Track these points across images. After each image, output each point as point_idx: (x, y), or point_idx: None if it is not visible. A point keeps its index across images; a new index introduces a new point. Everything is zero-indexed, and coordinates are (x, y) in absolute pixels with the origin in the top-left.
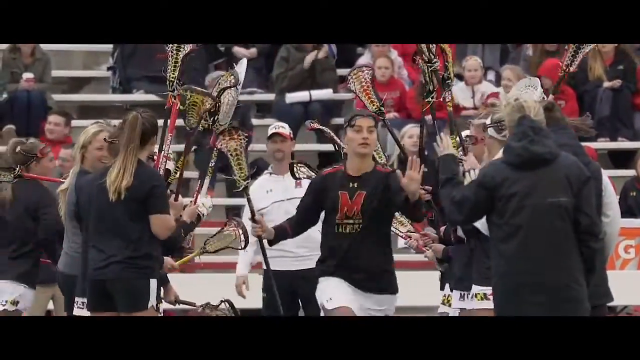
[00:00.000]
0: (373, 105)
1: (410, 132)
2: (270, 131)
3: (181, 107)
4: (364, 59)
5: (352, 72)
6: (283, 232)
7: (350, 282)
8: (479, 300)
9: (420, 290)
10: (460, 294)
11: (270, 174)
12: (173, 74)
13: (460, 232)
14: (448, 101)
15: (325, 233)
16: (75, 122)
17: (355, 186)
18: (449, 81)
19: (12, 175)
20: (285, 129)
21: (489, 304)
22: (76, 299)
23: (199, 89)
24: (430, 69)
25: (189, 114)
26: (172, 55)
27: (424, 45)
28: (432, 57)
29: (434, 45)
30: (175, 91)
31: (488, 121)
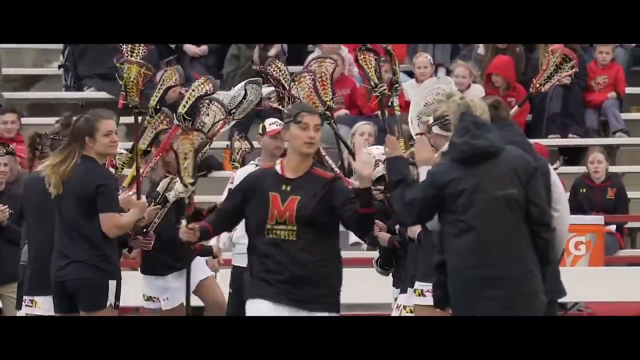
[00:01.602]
0: (317, 108)
1: (362, 130)
2: (271, 128)
3: (119, 81)
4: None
5: (294, 78)
6: (205, 233)
7: (280, 298)
8: (417, 297)
9: (370, 288)
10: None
11: (256, 165)
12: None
13: (409, 232)
14: (395, 105)
15: (252, 239)
16: (26, 120)
17: (289, 189)
18: (397, 85)
19: (4, 150)
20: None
21: (424, 300)
22: (24, 297)
23: (134, 59)
24: (376, 94)
25: (129, 90)
26: (127, 56)
27: (369, 69)
28: (378, 82)
29: (381, 63)
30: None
31: (431, 119)
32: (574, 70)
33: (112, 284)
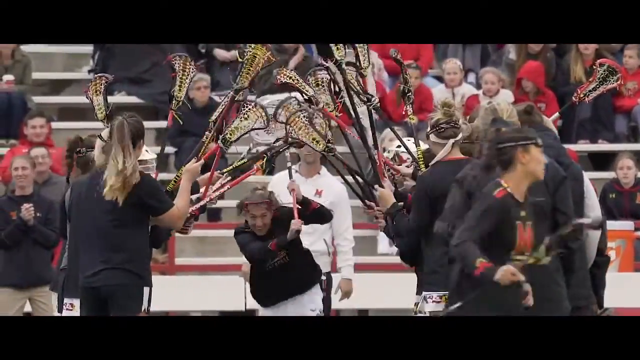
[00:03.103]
0: (319, 145)
1: (391, 136)
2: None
3: (239, 58)
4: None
5: (288, 120)
6: None
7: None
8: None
9: (402, 292)
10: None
11: (296, 171)
12: (179, 92)
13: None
14: (410, 114)
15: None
16: (55, 125)
17: (524, 215)
18: (409, 94)
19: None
20: None
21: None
22: (65, 300)
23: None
24: (369, 107)
25: (244, 70)
26: (179, 75)
27: (356, 83)
28: (370, 96)
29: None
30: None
31: (428, 128)
32: (619, 82)
33: (146, 290)
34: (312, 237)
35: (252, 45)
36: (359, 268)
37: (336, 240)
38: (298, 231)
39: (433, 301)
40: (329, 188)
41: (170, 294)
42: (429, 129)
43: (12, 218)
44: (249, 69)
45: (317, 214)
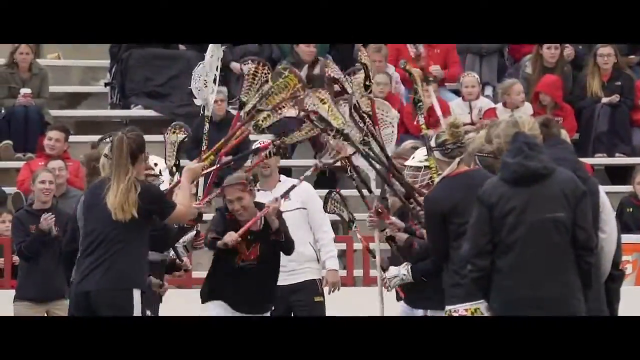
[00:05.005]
0: (338, 120)
1: (407, 148)
2: (255, 146)
3: (271, 81)
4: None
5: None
6: None
7: None
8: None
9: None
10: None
11: (258, 190)
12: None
13: None
14: (422, 124)
15: None
16: (72, 138)
17: None
18: (420, 104)
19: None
20: None
21: None
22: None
23: (299, 73)
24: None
25: (272, 92)
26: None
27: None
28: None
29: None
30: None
31: (432, 144)
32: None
33: (136, 293)
34: (296, 245)
35: (287, 73)
36: (373, 282)
37: (315, 235)
38: (225, 244)
39: (460, 315)
40: (294, 191)
41: (187, 308)
42: (433, 143)
43: (31, 232)
44: (276, 95)
45: (279, 245)
